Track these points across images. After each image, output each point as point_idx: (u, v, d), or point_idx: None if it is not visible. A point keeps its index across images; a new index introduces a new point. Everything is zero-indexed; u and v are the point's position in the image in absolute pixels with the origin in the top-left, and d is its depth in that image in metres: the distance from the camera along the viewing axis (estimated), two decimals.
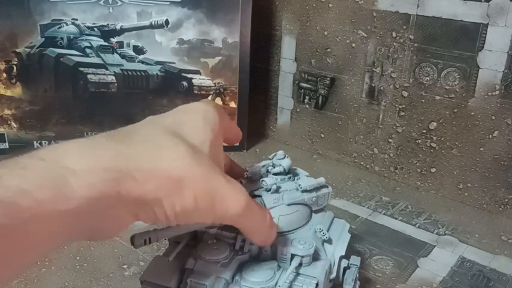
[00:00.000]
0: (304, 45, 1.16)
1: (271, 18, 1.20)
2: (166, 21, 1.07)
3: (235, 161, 0.65)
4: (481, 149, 0.95)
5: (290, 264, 0.60)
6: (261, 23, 1.19)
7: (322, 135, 1.20)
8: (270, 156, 0.68)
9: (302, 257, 0.60)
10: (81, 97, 1.11)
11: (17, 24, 1.04)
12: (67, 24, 1.06)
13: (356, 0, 1.04)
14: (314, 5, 1.11)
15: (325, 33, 1.11)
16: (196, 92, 1.14)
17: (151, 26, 1.08)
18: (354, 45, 1.07)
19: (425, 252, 0.84)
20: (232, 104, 1.16)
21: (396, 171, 1.09)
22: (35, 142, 1.13)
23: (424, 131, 1.02)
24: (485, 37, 0.90)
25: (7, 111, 1.11)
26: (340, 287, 0.67)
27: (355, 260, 0.68)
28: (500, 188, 0.95)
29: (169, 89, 1.13)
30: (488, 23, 0.89)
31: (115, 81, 1.11)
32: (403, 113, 1.04)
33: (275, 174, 0.66)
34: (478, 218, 0.96)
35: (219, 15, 1.08)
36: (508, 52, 0.88)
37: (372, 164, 1.12)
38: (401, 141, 1.06)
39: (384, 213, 0.96)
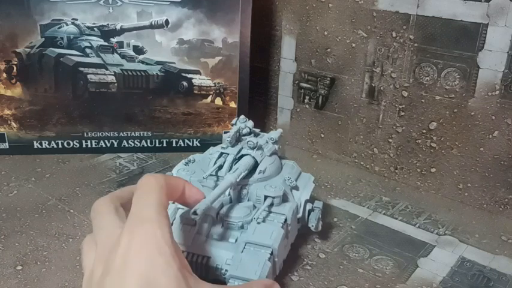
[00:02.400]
0: (304, 45, 1.16)
1: (271, 18, 1.20)
2: (166, 21, 1.07)
3: (190, 184, 0.65)
4: (481, 149, 0.95)
5: (263, 204, 0.74)
6: (261, 23, 1.19)
7: (322, 135, 1.20)
8: (233, 122, 0.84)
9: (273, 197, 0.74)
10: (81, 97, 1.11)
11: (17, 24, 1.04)
12: (67, 24, 1.06)
13: (356, 0, 1.04)
14: (314, 5, 1.11)
15: (325, 33, 1.11)
16: (196, 92, 1.14)
17: (151, 26, 1.08)
18: (354, 45, 1.07)
19: (425, 252, 0.84)
20: (232, 104, 1.16)
21: (396, 171, 1.09)
22: (35, 142, 1.13)
23: (424, 131, 1.02)
24: (485, 37, 0.90)
25: (7, 111, 1.11)
26: (307, 227, 0.81)
27: (318, 203, 0.82)
28: (500, 188, 0.95)
29: (169, 89, 1.13)
30: (488, 23, 0.89)
31: (115, 81, 1.11)
32: (403, 113, 1.04)
33: (244, 135, 0.82)
34: (478, 218, 0.96)
35: (219, 15, 1.08)
36: (508, 52, 0.88)
37: (372, 164, 1.12)
38: (401, 141, 1.06)
39: (384, 213, 0.96)
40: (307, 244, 0.85)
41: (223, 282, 0.68)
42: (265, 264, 0.67)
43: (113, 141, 1.16)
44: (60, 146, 1.14)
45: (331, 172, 1.12)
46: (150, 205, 0.52)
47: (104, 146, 1.16)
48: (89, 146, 1.15)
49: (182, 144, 1.17)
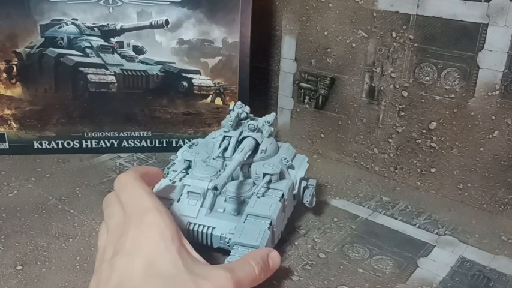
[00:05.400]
0: (304, 45, 1.16)
1: (271, 18, 1.20)
2: (166, 21, 1.07)
3: (148, 166, 0.80)
4: (481, 149, 0.95)
5: (262, 180, 0.81)
6: (261, 23, 1.19)
7: (322, 135, 1.20)
8: (230, 108, 0.90)
9: (271, 175, 0.81)
10: (81, 97, 1.11)
11: (17, 24, 1.04)
12: (67, 24, 1.06)
13: (356, 0, 1.04)
14: (314, 5, 1.11)
15: (325, 33, 1.11)
16: (196, 92, 1.14)
17: (151, 26, 1.08)
18: (354, 45, 1.07)
19: (425, 252, 0.84)
20: (232, 104, 1.16)
21: (396, 171, 1.09)
22: (34, 142, 1.13)
23: (424, 131, 1.02)
24: (485, 37, 0.90)
25: (7, 111, 1.11)
26: (302, 203, 0.88)
27: (312, 181, 0.89)
28: (500, 188, 0.95)
29: (169, 89, 1.13)
30: (488, 23, 0.89)
31: (115, 81, 1.11)
32: (403, 113, 1.04)
33: (242, 119, 0.89)
34: (478, 218, 0.96)
35: (219, 15, 1.08)
36: (508, 52, 0.88)
37: (372, 164, 1.12)
38: (401, 141, 1.06)
39: (384, 213, 0.96)
40: (307, 244, 0.85)
41: (227, 250, 0.75)
42: (266, 232, 0.74)
43: (113, 141, 1.16)
44: (60, 146, 1.14)
45: (331, 172, 1.12)
46: (144, 197, 0.61)
47: (104, 146, 1.16)
48: (89, 146, 1.15)
49: (182, 144, 1.17)
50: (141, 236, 0.57)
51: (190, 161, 0.86)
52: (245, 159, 0.81)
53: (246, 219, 0.76)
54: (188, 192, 0.79)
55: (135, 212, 0.59)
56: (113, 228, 0.61)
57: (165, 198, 0.79)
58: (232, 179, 0.83)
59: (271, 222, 0.75)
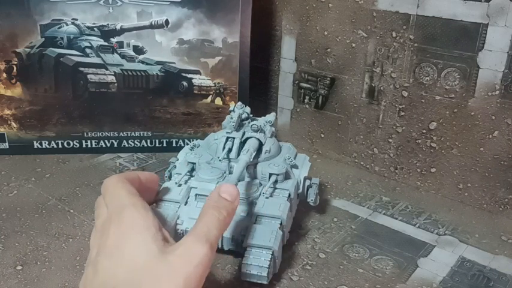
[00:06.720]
0: (304, 45, 1.16)
1: (271, 18, 1.20)
2: (166, 21, 1.07)
3: (141, 171, 0.78)
4: (481, 149, 0.95)
5: (269, 181, 0.81)
6: (261, 23, 1.19)
7: (322, 135, 1.20)
8: (231, 108, 0.90)
9: (277, 175, 0.81)
10: (81, 97, 1.11)
11: (17, 24, 1.04)
12: (67, 24, 1.06)
13: (356, 0, 1.04)
14: (314, 5, 1.11)
15: (325, 33, 1.11)
16: (196, 92, 1.14)
17: (151, 26, 1.08)
18: (354, 45, 1.07)
19: (425, 252, 0.84)
20: (232, 104, 1.16)
21: (396, 171, 1.09)
22: (34, 142, 1.13)
23: (424, 131, 1.02)
24: (485, 37, 0.90)
25: (7, 111, 1.11)
26: (306, 201, 0.88)
27: (315, 180, 0.89)
28: (500, 188, 0.95)
29: (169, 89, 1.13)
30: (488, 23, 0.89)
31: (115, 81, 1.11)
32: (403, 113, 1.04)
33: (243, 120, 0.89)
34: (478, 218, 0.96)
35: (219, 15, 1.08)
36: (508, 52, 0.88)
37: (372, 164, 1.12)
38: (401, 141, 1.06)
39: (384, 213, 0.96)
40: (307, 244, 0.85)
41: (238, 253, 0.75)
42: (278, 233, 0.74)
43: (113, 141, 1.16)
44: (60, 146, 1.14)
45: (331, 172, 1.12)
46: (123, 196, 0.63)
47: (104, 146, 1.16)
48: (89, 146, 1.15)
49: (182, 144, 1.17)
50: (119, 234, 0.58)
51: (194, 163, 0.85)
52: (251, 159, 0.81)
53: (256, 220, 0.76)
54: (196, 195, 0.79)
55: (114, 211, 0.61)
56: (98, 229, 0.63)
57: (172, 202, 0.78)
58: (238, 180, 0.83)
59: (281, 222, 0.75)
